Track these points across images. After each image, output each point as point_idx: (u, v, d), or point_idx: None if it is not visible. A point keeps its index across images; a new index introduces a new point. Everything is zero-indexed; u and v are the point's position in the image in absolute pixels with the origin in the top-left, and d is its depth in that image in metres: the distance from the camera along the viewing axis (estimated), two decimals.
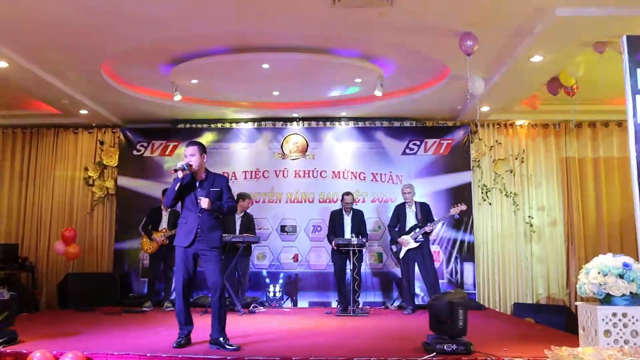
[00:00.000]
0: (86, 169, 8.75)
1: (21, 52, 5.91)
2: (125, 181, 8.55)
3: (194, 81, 6.91)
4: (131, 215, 8.40)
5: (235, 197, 6.70)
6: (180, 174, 4.49)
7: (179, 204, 4.66)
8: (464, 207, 7.16)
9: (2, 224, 8.60)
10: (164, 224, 7.61)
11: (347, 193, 7.49)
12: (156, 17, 5.15)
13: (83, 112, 8.03)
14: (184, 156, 4.60)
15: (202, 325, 4.93)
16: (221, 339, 4.41)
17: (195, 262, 4.61)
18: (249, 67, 6.50)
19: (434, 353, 4.07)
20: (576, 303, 4.19)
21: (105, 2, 4.82)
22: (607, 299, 3.94)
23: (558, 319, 7.32)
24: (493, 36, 5.46)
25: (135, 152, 8.61)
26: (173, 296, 7.78)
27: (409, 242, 7.06)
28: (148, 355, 4.05)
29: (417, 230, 7.01)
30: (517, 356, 4.04)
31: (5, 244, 8.12)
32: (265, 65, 6.39)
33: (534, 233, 8.40)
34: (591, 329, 3.96)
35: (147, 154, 8.61)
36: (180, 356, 4.06)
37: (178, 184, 4.51)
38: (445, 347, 4.11)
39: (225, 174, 7.87)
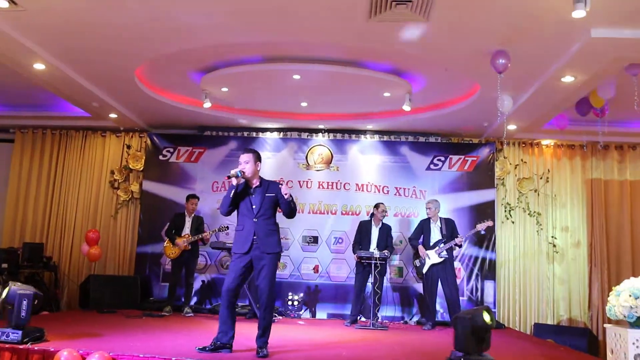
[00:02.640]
0: (112, 172, 8.86)
1: (58, 55, 6.04)
2: (150, 186, 8.66)
3: (224, 89, 6.99)
4: (154, 219, 8.49)
5: None
6: (234, 181, 4.55)
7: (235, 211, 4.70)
8: (490, 222, 7.15)
9: (29, 223, 8.73)
10: (186, 229, 7.68)
11: (380, 204, 7.50)
12: (192, 26, 5.25)
13: (112, 115, 8.16)
14: (239, 164, 4.65)
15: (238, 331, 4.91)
16: (262, 345, 4.46)
17: (250, 269, 4.61)
18: (279, 78, 6.58)
19: None
20: (605, 325, 4.15)
21: (143, 10, 4.92)
22: (638, 322, 3.90)
23: (579, 342, 7.24)
24: (525, 55, 5.46)
25: (161, 157, 8.71)
26: (193, 302, 7.87)
27: (430, 256, 7.04)
28: (173, 359, 4.08)
29: (442, 245, 6.99)
30: None
31: (31, 243, 8.23)
32: (296, 76, 6.45)
33: (556, 254, 8.32)
34: (620, 352, 3.92)
35: (173, 159, 8.70)
36: None
37: (233, 191, 4.57)
38: None
39: None
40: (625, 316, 3.88)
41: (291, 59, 6.18)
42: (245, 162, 4.61)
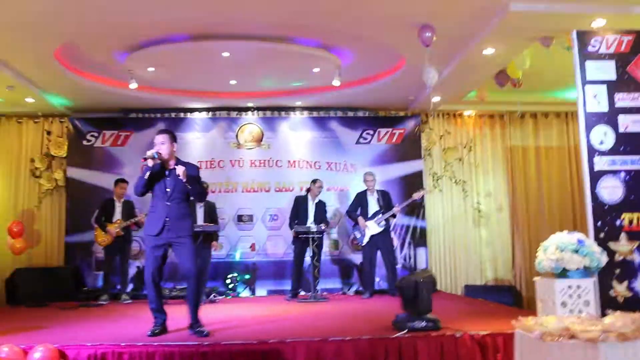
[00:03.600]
0: (32, 160, 8.40)
1: None
2: (75, 172, 8.29)
3: (151, 69, 6.80)
4: (82, 207, 8.15)
5: None
6: (150, 162, 4.46)
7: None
8: (426, 191, 7.50)
9: None
10: (117, 215, 7.47)
11: (317, 179, 7.61)
12: (115, 1, 5.04)
13: (29, 100, 7.71)
14: (154, 144, 4.56)
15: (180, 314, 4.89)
16: (196, 324, 4.44)
17: (166, 251, 4.57)
18: (208, 56, 6.47)
19: (406, 330, 4.25)
20: (534, 279, 4.48)
21: None
22: (563, 273, 4.24)
23: (506, 298, 7.78)
24: (449, 29, 5.66)
25: (85, 143, 8.35)
26: (129, 288, 7.69)
27: (370, 227, 7.26)
28: (123, 344, 4.00)
29: (380, 216, 7.23)
30: (483, 330, 4.30)
31: None
32: (226, 54, 6.37)
33: (482, 218, 8.80)
34: (549, 301, 4.25)
35: (98, 144, 8.37)
36: (156, 344, 4.05)
37: (148, 172, 4.47)
38: (415, 324, 4.31)
39: None
40: (552, 268, 4.20)
41: (220, 36, 6.09)
42: (161, 143, 4.53)
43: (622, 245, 4.70)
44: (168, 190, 4.51)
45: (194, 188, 4.58)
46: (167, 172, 4.57)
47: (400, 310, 4.54)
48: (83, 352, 3.93)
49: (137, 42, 6.17)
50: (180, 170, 4.44)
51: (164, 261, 4.65)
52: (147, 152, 4.52)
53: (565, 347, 3.23)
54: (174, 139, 4.63)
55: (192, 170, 4.63)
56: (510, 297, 7.90)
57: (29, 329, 4.87)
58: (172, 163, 4.59)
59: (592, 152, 4.72)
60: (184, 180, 4.45)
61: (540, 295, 4.39)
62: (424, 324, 4.32)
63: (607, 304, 4.55)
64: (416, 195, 7.47)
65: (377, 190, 7.52)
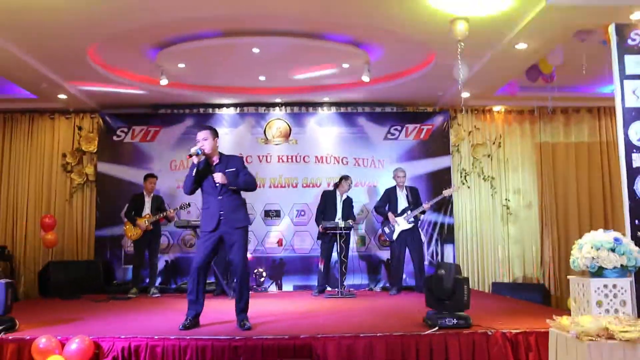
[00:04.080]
0: (64, 156, 8.55)
1: (4, 34, 5.73)
2: (105, 167, 8.42)
3: (181, 65, 6.85)
4: (112, 202, 8.29)
5: None
6: (195, 159, 4.52)
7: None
8: (455, 188, 7.49)
9: None
10: (147, 209, 7.57)
11: (348, 176, 7.63)
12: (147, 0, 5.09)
13: (62, 96, 7.85)
14: (196, 141, 4.60)
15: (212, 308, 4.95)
16: (243, 318, 4.52)
17: (218, 245, 4.62)
18: (239, 52, 6.50)
19: (437, 327, 4.22)
20: (569, 277, 4.40)
21: None
22: (599, 272, 4.16)
23: (534, 296, 7.66)
24: (482, 23, 5.59)
25: (115, 138, 8.47)
26: (158, 282, 7.79)
27: (400, 223, 7.24)
28: (156, 337, 4.05)
29: (409, 212, 7.20)
30: (514, 328, 4.25)
31: None
32: (256, 50, 6.39)
33: (510, 215, 8.70)
34: (583, 300, 4.18)
35: (128, 139, 8.48)
36: (189, 337, 4.08)
37: (195, 170, 4.54)
38: (446, 322, 4.28)
39: None
40: (587, 267, 4.12)
41: (250, 32, 6.10)
42: (203, 139, 4.59)
43: None
44: (217, 184, 4.56)
45: (239, 186, 4.63)
46: (212, 168, 4.63)
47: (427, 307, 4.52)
48: (118, 344, 4.00)
49: (169, 39, 6.23)
50: (218, 177, 4.51)
51: (215, 253, 4.71)
52: (191, 149, 4.56)
53: (603, 347, 3.19)
54: (215, 134, 4.68)
55: (237, 162, 4.71)
56: (539, 295, 7.79)
57: (65, 321, 4.96)
58: (215, 158, 4.65)
59: (630, 148, 4.61)
60: (225, 183, 4.51)
61: (574, 294, 4.32)
62: (455, 321, 4.28)
63: None
64: (446, 192, 7.43)
65: (407, 187, 7.48)
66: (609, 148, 8.75)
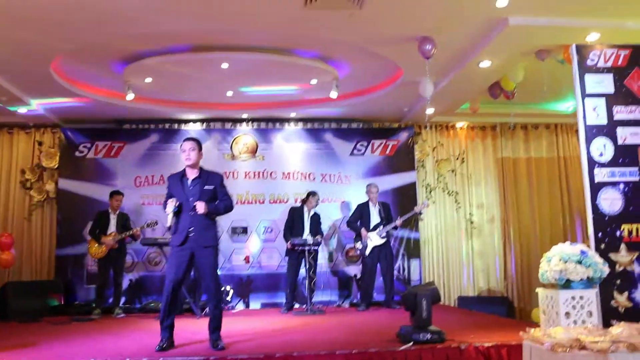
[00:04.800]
0: (23, 172, 8.28)
1: None
2: (67, 184, 8.17)
3: (148, 80, 6.75)
4: (74, 219, 8.05)
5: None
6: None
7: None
8: (427, 204, 7.60)
9: None
10: (112, 227, 7.38)
11: (315, 192, 7.64)
12: (114, 12, 4.98)
13: (21, 110, 7.61)
14: (182, 151, 4.57)
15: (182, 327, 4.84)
16: (216, 338, 4.44)
17: (190, 262, 4.52)
18: (207, 67, 6.46)
19: (411, 343, 4.25)
20: (537, 289, 4.52)
21: None
22: (567, 284, 4.28)
23: (499, 309, 7.82)
24: (448, 42, 5.75)
25: (77, 154, 8.24)
26: (122, 302, 7.57)
27: (372, 238, 7.28)
28: None
29: (382, 227, 7.25)
30: (485, 341, 4.31)
31: None
32: (225, 65, 6.36)
33: (474, 229, 8.86)
34: (552, 312, 4.29)
35: (91, 155, 8.27)
36: (161, 359, 3.99)
37: (171, 215, 4.49)
38: (420, 337, 4.31)
39: None
40: (556, 279, 4.24)
41: (220, 48, 6.08)
42: (191, 150, 4.55)
43: (622, 256, 4.77)
44: (190, 199, 4.49)
45: (219, 213, 4.60)
46: (189, 182, 4.56)
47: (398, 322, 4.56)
48: None
49: (136, 53, 6.14)
50: (200, 208, 4.43)
51: (189, 270, 4.62)
52: (167, 208, 4.50)
53: (576, 358, 3.27)
54: (200, 147, 4.63)
55: (216, 179, 4.65)
56: (503, 308, 7.96)
57: (25, 346, 4.71)
58: (196, 171, 4.59)
59: (592, 163, 4.79)
60: (205, 213, 4.46)
61: (544, 306, 4.43)
62: (429, 336, 4.32)
63: (609, 314, 4.59)
64: (417, 208, 7.53)
65: (379, 202, 7.55)
66: (566, 163, 9.04)
